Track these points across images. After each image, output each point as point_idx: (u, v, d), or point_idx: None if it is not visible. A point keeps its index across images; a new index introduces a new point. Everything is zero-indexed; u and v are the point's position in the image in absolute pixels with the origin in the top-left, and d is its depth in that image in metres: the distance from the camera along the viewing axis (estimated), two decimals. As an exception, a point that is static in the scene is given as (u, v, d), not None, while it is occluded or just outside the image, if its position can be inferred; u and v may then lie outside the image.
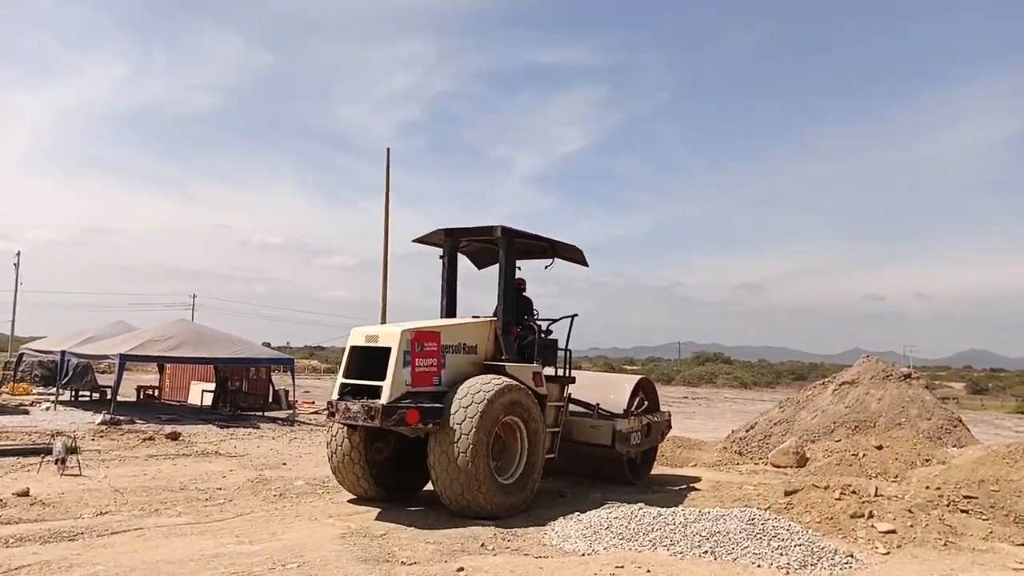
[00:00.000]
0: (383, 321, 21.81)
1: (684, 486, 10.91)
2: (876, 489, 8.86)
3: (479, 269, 12.02)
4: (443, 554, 6.91)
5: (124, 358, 20.72)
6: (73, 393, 25.72)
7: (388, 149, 22.60)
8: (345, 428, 9.37)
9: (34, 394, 27.22)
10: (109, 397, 21.89)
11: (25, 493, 9.07)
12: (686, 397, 44.14)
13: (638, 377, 12.63)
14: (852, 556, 7.00)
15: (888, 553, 7.25)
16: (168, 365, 27.94)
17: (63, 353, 23.13)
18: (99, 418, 19.11)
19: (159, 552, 6.75)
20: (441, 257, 10.78)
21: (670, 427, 13.30)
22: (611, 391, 11.77)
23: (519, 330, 10.42)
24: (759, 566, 6.62)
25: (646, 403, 12.26)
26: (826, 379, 17.84)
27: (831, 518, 8.05)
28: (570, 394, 10.93)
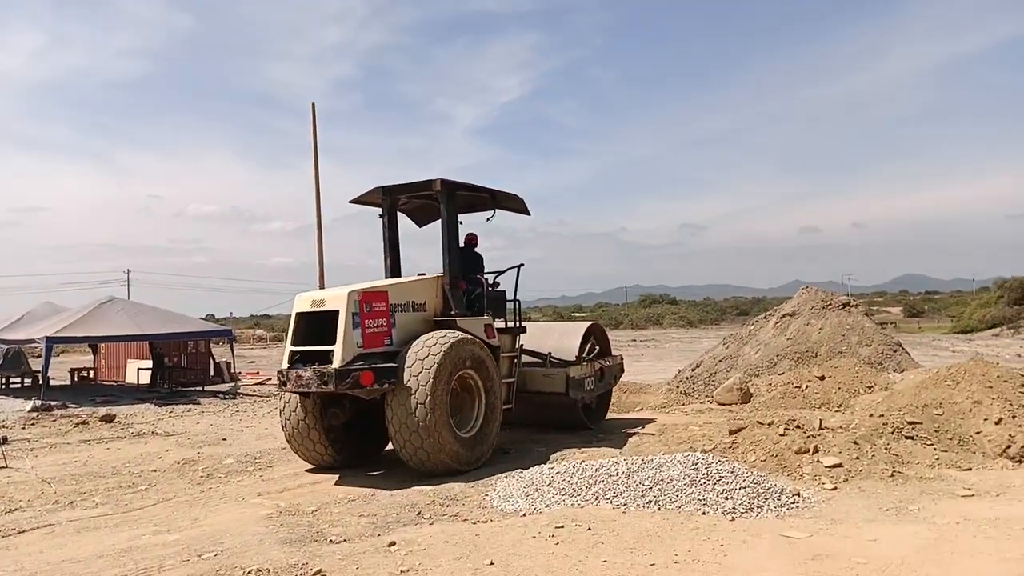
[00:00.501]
0: (321, 286, 21.18)
1: (629, 432, 10.70)
2: (820, 422, 8.74)
3: (420, 227, 11.86)
4: (376, 527, 6.53)
5: (51, 341, 19.87)
6: (4, 380, 24.75)
7: (313, 104, 21.60)
8: (298, 396, 9.12)
9: (-40, 384, 26.15)
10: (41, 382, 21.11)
11: (-72, 495, 8.43)
12: (634, 340, 44.45)
13: (588, 323, 12.64)
14: (799, 495, 6.82)
15: (835, 488, 7.09)
16: (102, 345, 27.05)
17: (-14, 340, 22.15)
18: (29, 405, 18.34)
19: (67, 550, 6.24)
20: (381, 216, 10.56)
21: (623, 371, 13.38)
22: (562, 339, 11.79)
23: (466, 284, 10.33)
24: (704, 513, 6.38)
25: (597, 348, 12.32)
26: (768, 313, 17.86)
27: (776, 455, 7.87)
28: (522, 344, 10.93)
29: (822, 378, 12.87)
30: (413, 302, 9.46)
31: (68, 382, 25.98)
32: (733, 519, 6.22)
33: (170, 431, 14.24)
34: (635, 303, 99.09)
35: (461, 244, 10.50)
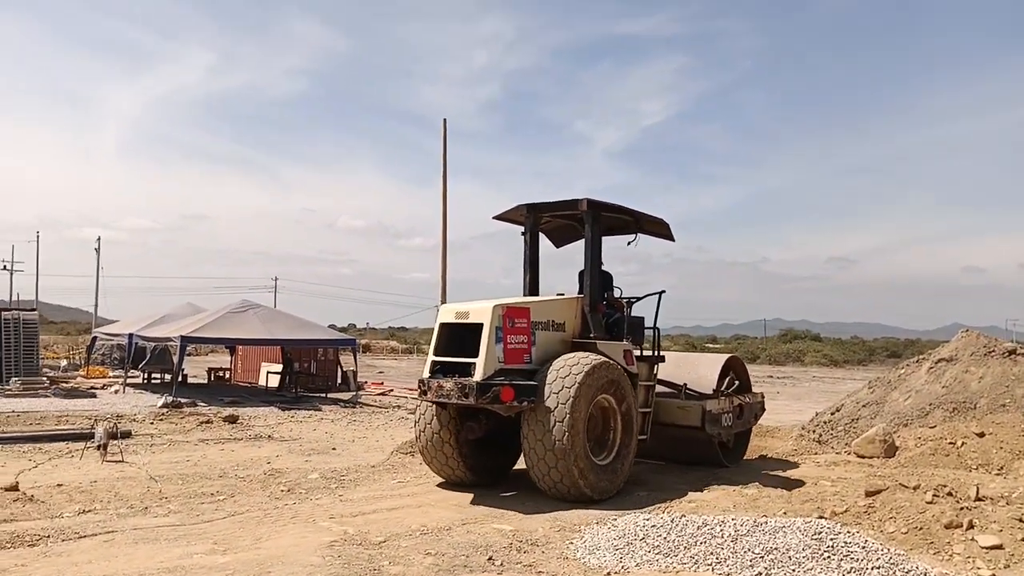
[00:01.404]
0: (443, 301, 20.98)
1: (747, 482, 9.53)
2: (978, 490, 7.36)
3: (557, 247, 11.75)
4: (440, 570, 5.81)
5: (185, 340, 20.63)
6: (146, 375, 25.97)
7: (444, 120, 21.64)
8: (434, 407, 9.02)
9: (109, 377, 27.67)
10: (180, 380, 21.96)
11: (14, 487, 8.39)
12: (771, 376, 42.00)
13: (727, 356, 11.88)
14: (946, 581, 5.60)
15: (992, 575, 5.81)
16: (240, 348, 28.03)
17: (130, 336, 23.27)
18: (161, 401, 18.97)
19: (114, 563, 5.88)
20: (523, 234, 10.43)
21: (764, 409, 12.46)
22: (699, 371, 11.17)
23: (605, 308, 10.00)
24: (824, 595, 5.31)
25: (737, 383, 11.54)
26: (921, 356, 16.00)
27: (921, 528, 6.60)
28: (657, 374, 10.40)
29: (981, 435, 11.21)
30: (553, 321, 9.30)
31: (205, 381, 27.01)
32: (859, 607, 5.11)
33: (286, 436, 14.31)
34: (774, 337, 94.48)
35: None
